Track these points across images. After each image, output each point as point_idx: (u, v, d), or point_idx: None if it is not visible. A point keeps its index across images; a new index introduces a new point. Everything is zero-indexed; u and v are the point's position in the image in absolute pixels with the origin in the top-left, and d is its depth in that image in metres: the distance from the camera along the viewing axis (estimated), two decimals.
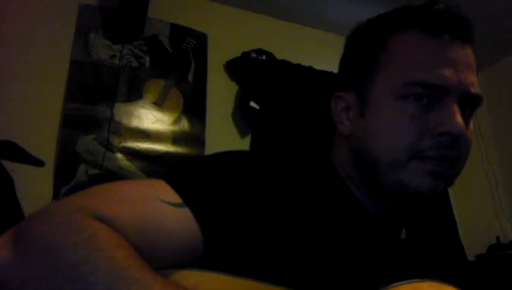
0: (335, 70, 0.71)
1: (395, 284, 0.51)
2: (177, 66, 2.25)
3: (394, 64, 0.60)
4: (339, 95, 0.65)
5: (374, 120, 0.60)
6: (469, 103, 0.59)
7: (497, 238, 2.72)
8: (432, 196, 0.58)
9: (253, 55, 2.34)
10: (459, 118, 0.56)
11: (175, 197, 0.49)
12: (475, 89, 0.59)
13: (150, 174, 1.97)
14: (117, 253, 0.41)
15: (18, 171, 1.21)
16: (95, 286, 0.38)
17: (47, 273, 0.40)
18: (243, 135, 2.32)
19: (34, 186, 1.58)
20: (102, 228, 0.43)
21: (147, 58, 2.19)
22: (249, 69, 2.33)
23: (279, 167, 0.59)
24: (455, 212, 2.77)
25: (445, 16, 0.60)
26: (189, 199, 0.49)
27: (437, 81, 0.57)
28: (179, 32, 2.31)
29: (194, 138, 2.18)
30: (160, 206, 0.48)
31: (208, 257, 0.48)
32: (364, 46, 0.64)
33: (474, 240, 2.63)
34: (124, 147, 2.01)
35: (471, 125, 0.61)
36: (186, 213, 0.48)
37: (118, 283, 0.39)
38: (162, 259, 0.44)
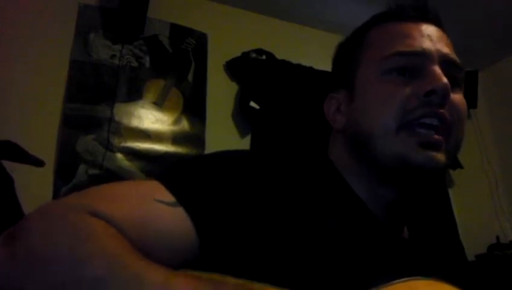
0: None
1: (388, 283, 0.51)
2: (177, 66, 2.25)
3: (372, 49, 0.64)
4: (331, 96, 0.69)
5: (363, 99, 0.63)
6: (451, 74, 0.60)
7: (497, 238, 2.72)
8: (429, 168, 0.57)
9: (253, 55, 2.34)
10: (443, 77, 0.58)
11: (169, 197, 0.49)
12: (454, 56, 0.62)
13: (149, 174, 1.97)
14: (117, 249, 0.41)
15: (18, 171, 1.21)
16: (97, 285, 0.38)
17: (45, 275, 0.40)
18: (243, 135, 2.32)
19: (34, 186, 1.58)
20: (99, 224, 0.43)
21: (147, 58, 2.19)
22: (249, 69, 2.33)
23: (276, 166, 0.59)
24: (455, 212, 2.77)
25: (410, 7, 0.65)
26: (183, 198, 0.49)
27: (411, 48, 0.60)
28: (179, 32, 2.31)
29: (194, 138, 2.18)
30: (155, 206, 0.48)
31: (203, 256, 0.48)
32: (346, 48, 0.70)
33: (474, 240, 2.63)
34: (124, 147, 2.01)
35: (462, 97, 0.62)
36: (180, 212, 0.48)
37: (118, 278, 0.39)
38: (158, 259, 0.44)
